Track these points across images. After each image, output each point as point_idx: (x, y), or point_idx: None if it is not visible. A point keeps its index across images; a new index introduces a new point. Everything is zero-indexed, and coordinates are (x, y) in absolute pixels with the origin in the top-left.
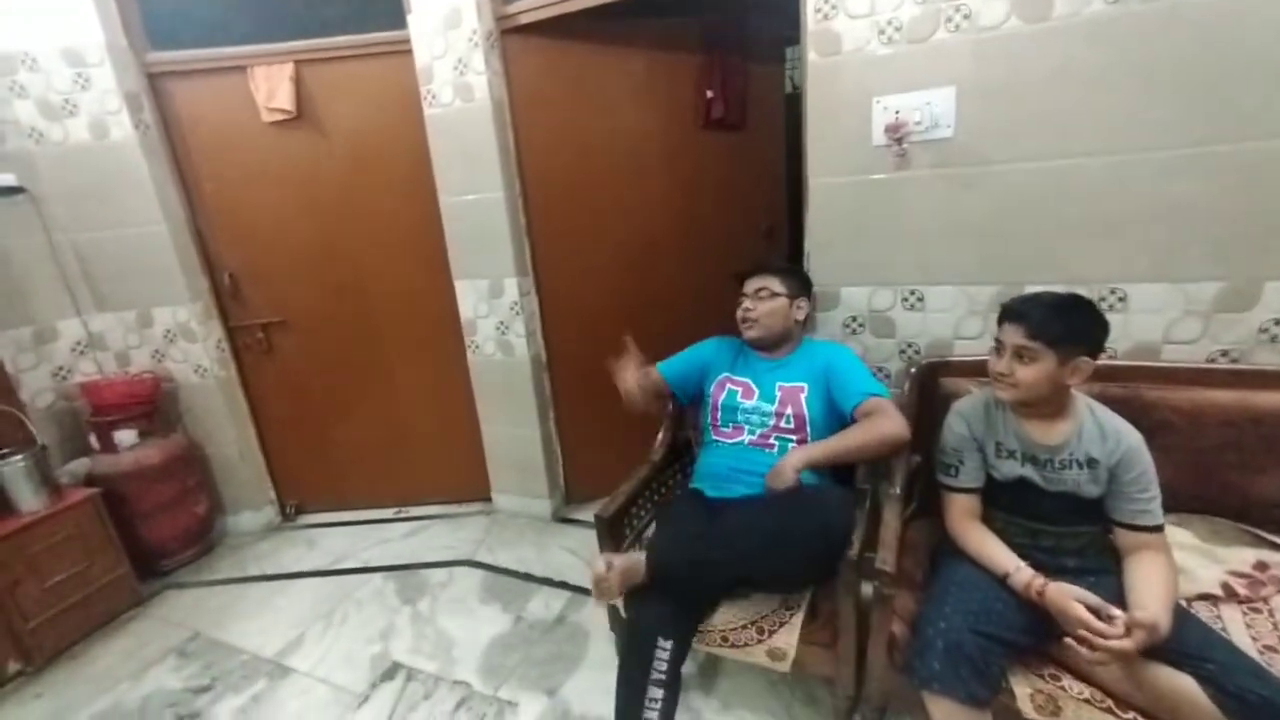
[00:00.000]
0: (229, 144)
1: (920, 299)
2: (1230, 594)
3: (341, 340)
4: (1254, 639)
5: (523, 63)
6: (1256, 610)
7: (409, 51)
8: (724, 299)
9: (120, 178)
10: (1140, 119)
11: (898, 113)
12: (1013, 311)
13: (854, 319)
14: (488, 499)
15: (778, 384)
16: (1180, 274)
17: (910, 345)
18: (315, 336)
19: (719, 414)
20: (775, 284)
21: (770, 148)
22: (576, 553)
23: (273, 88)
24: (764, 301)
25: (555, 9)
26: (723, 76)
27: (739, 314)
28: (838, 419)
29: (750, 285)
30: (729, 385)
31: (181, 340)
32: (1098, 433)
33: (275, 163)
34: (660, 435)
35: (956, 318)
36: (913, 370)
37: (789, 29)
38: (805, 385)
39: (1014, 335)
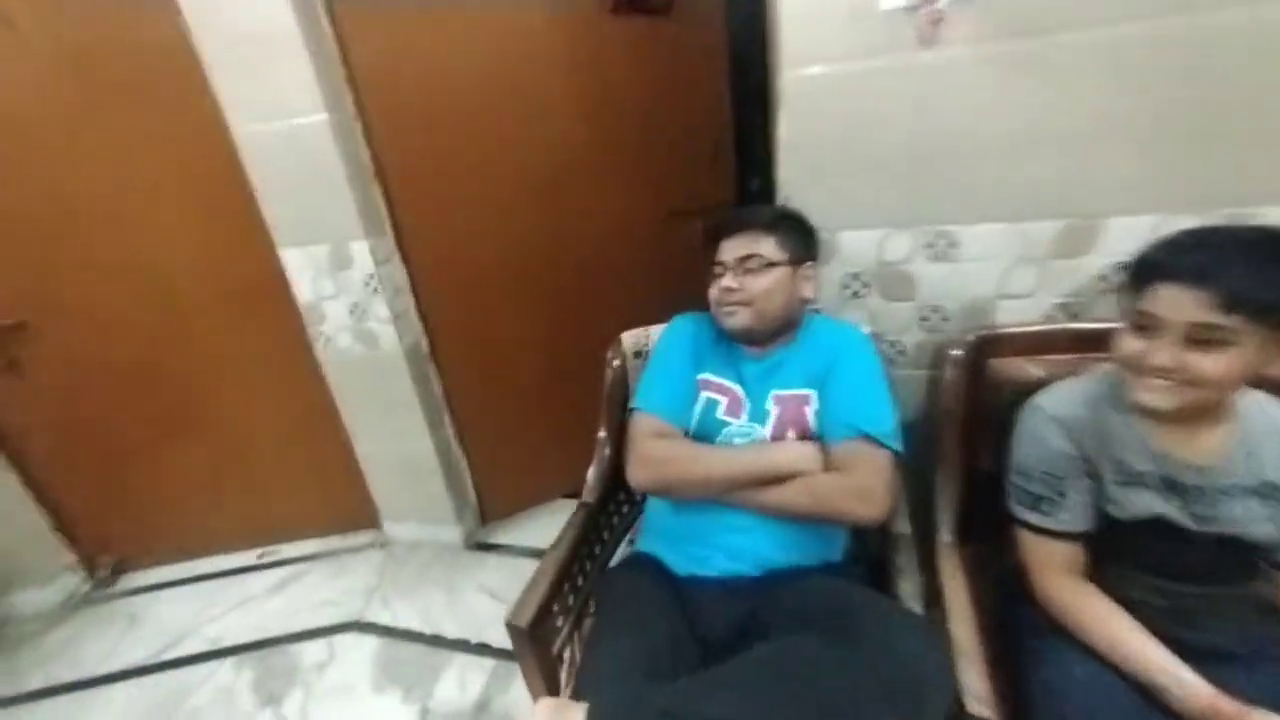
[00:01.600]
0: None
1: (953, 244)
2: None
3: (126, 342)
4: None
5: None
6: None
7: None
8: (659, 245)
9: None
10: None
11: None
12: (1182, 268)
13: (855, 277)
14: (378, 525)
15: (772, 393)
16: None
17: (936, 310)
18: (82, 340)
19: (693, 424)
20: (770, 246)
21: (709, 39)
22: (499, 594)
23: None
24: (755, 275)
25: None
26: None
27: (713, 293)
28: None
29: (730, 249)
30: (707, 392)
31: None
32: (1275, 443)
33: None
34: (593, 468)
35: (1001, 268)
36: (955, 352)
37: None
38: (811, 392)
39: (1187, 307)
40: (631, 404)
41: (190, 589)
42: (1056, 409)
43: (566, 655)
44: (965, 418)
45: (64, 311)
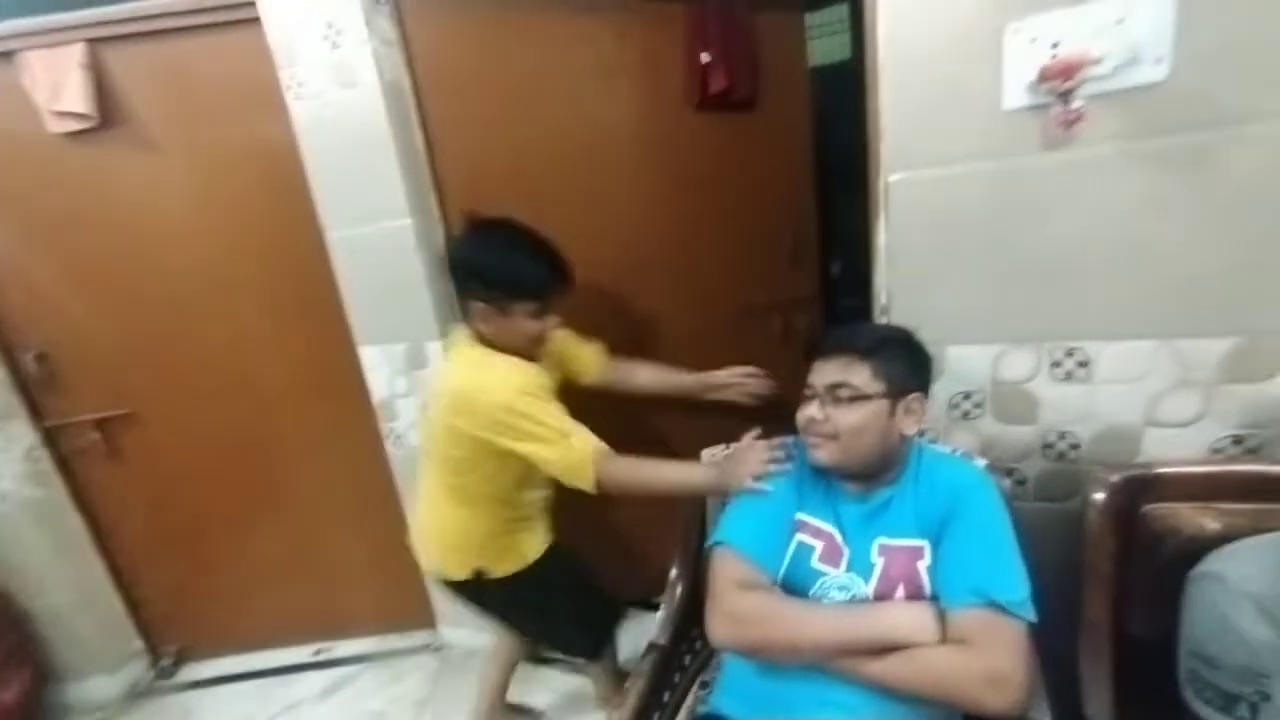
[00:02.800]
0: (6, 169)
1: (1085, 363)
2: None
3: (216, 431)
4: None
5: (428, 26)
6: None
7: (257, 19)
8: (738, 348)
9: None
10: None
11: (1056, 46)
12: None
13: (965, 396)
14: (433, 626)
15: (877, 541)
16: None
17: (1063, 436)
18: (179, 429)
19: (780, 572)
20: (864, 376)
21: (792, 134)
22: (555, 717)
23: (58, 81)
24: (845, 407)
25: None
26: (723, 33)
27: (801, 421)
28: None
29: (821, 374)
30: (802, 535)
31: None
32: None
33: (80, 193)
34: (664, 608)
35: (1151, 391)
36: (1098, 495)
37: None
38: (924, 544)
39: None
40: (714, 538)
41: (244, 686)
42: (1250, 583)
43: None
44: (1114, 575)
45: (165, 402)
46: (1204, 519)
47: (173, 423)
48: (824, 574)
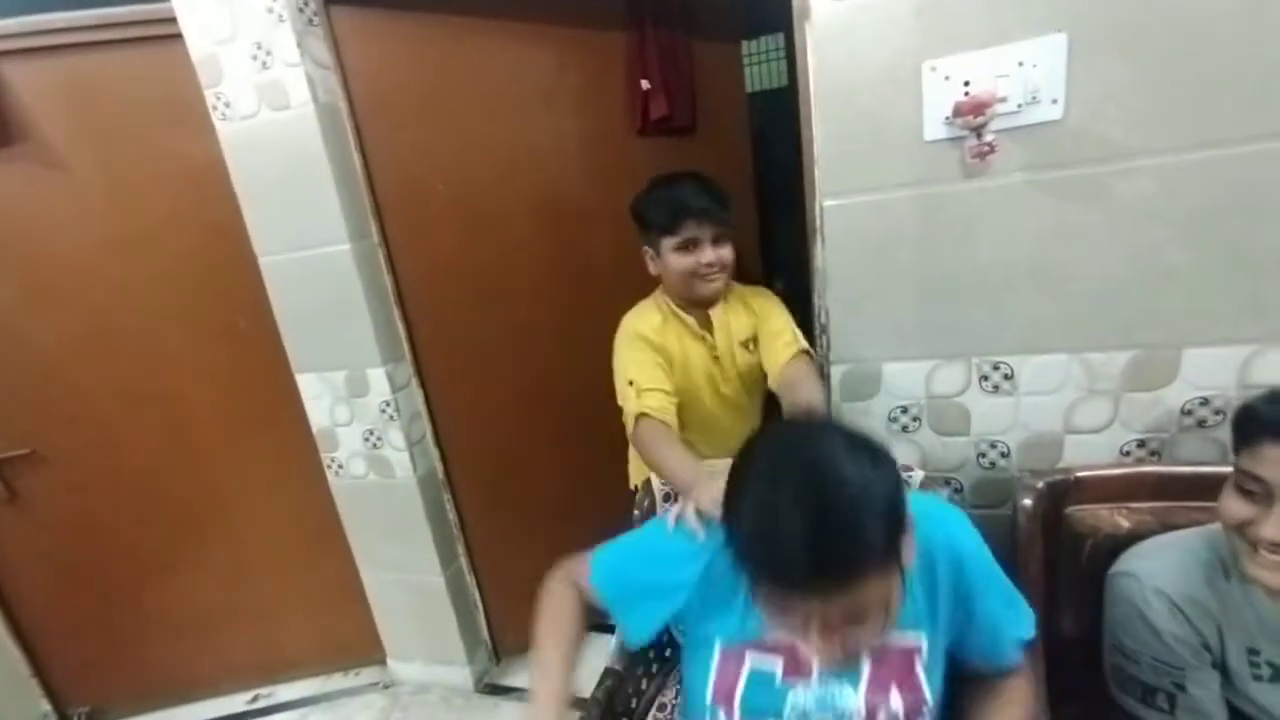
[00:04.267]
0: None
1: (1009, 375)
2: None
3: (134, 468)
4: None
5: (364, 49)
6: None
7: (178, 36)
8: None
9: None
10: None
11: (968, 85)
12: None
13: (903, 410)
14: (383, 662)
15: None
16: None
17: (994, 445)
18: (89, 468)
19: (735, 711)
20: (894, 582)
21: (732, 157)
22: None
23: None
24: (866, 626)
25: None
26: (662, 61)
27: (809, 649)
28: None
29: (835, 609)
30: (752, 658)
31: None
32: None
33: None
34: (617, 632)
35: (1068, 401)
36: (1026, 501)
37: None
38: (921, 640)
39: None
40: (596, 562)
41: None
42: (1159, 580)
43: None
44: (1044, 576)
45: (75, 439)
46: (1119, 519)
47: (82, 461)
48: (791, 688)
